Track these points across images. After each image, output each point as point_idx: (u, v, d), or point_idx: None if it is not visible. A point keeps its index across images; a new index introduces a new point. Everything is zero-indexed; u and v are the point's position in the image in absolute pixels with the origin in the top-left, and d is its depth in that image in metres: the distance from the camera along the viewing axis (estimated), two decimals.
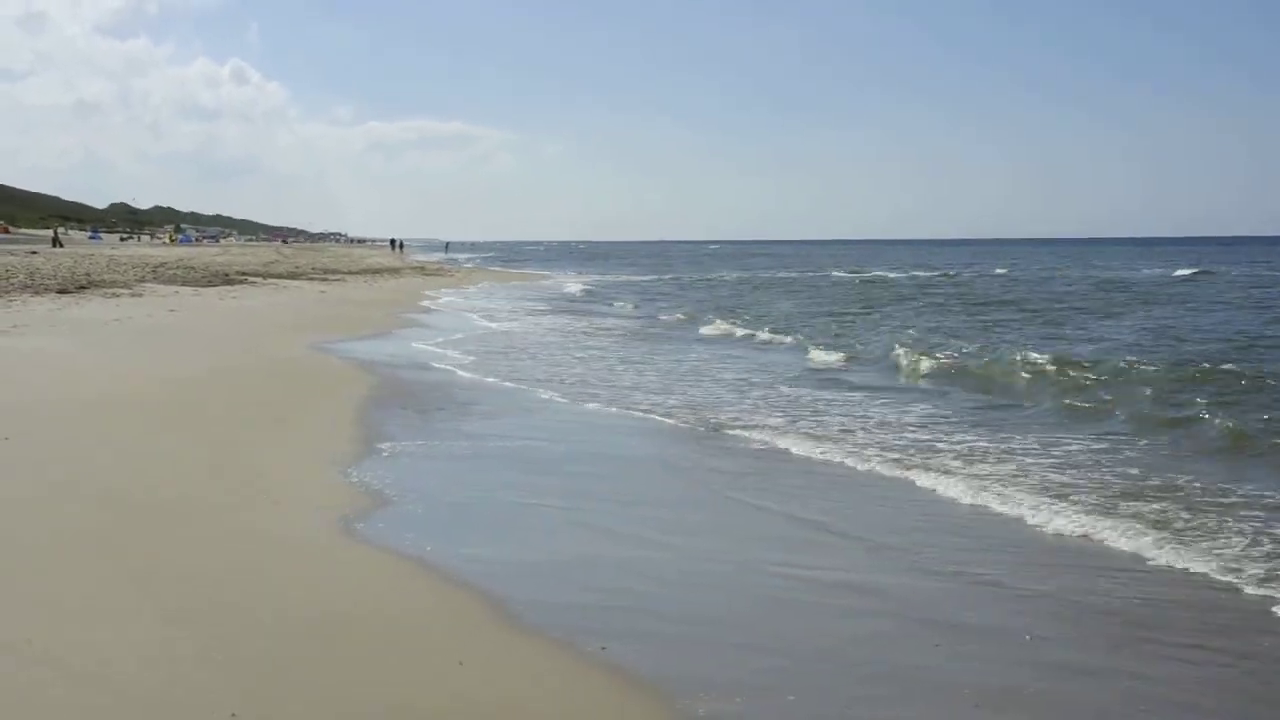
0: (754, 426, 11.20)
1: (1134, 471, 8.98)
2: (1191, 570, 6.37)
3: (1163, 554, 6.66)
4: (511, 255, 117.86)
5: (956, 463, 9.38)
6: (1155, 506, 7.73)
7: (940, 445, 10.24)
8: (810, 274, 61.52)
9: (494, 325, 24.60)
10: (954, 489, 8.39)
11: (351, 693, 4.41)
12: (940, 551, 6.77)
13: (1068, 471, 9.00)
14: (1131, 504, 7.82)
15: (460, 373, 15.22)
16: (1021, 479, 8.70)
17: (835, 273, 62.86)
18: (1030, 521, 7.46)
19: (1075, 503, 7.88)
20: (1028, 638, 5.33)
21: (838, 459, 9.61)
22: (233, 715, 4.11)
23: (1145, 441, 10.39)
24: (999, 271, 61.45)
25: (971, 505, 7.96)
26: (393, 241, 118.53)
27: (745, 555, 6.67)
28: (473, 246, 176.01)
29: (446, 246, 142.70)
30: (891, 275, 57.66)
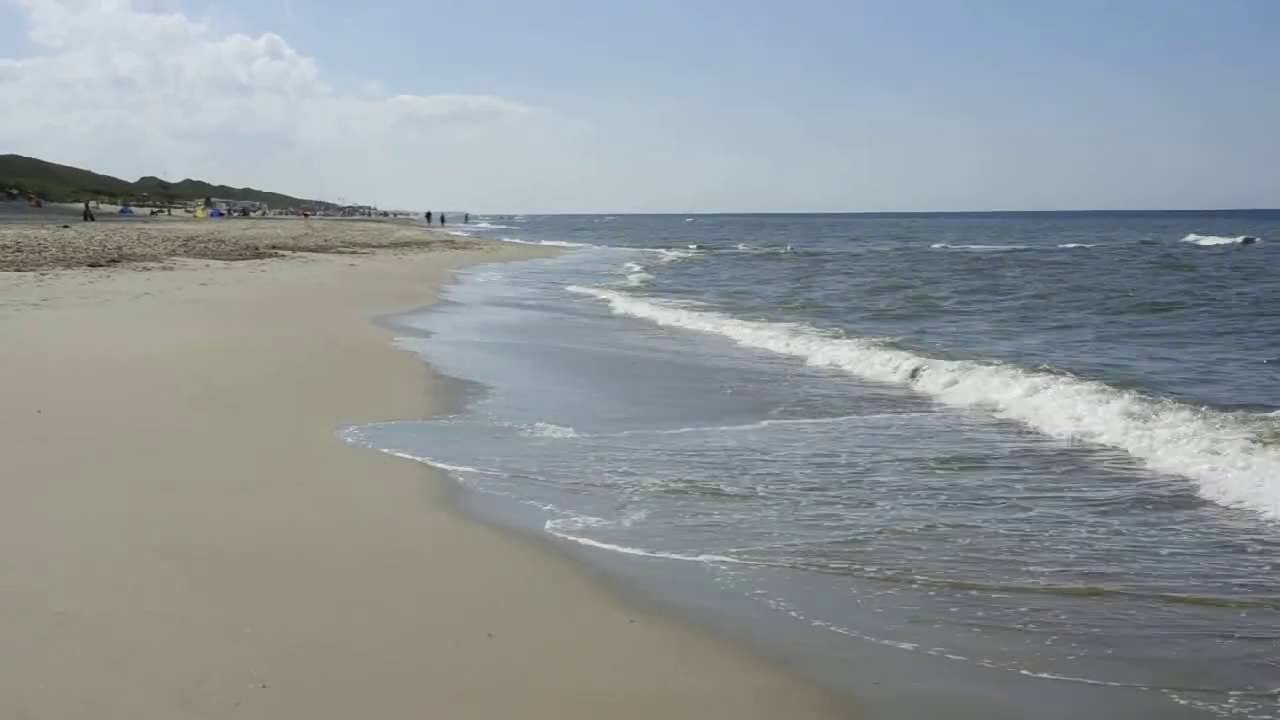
0: None
1: None
2: None
3: None
4: (552, 228, 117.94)
5: None
6: None
7: None
8: None
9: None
10: None
11: (382, 666, 4.42)
12: None
13: None
14: None
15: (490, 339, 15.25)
16: None
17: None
18: None
19: None
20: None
21: None
22: (264, 686, 4.13)
23: None
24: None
25: None
26: (429, 214, 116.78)
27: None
28: (506, 219, 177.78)
29: (465, 218, 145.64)
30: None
